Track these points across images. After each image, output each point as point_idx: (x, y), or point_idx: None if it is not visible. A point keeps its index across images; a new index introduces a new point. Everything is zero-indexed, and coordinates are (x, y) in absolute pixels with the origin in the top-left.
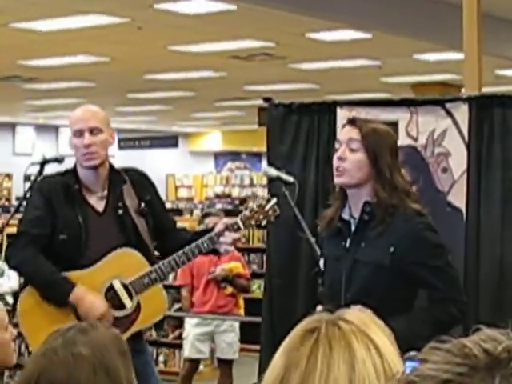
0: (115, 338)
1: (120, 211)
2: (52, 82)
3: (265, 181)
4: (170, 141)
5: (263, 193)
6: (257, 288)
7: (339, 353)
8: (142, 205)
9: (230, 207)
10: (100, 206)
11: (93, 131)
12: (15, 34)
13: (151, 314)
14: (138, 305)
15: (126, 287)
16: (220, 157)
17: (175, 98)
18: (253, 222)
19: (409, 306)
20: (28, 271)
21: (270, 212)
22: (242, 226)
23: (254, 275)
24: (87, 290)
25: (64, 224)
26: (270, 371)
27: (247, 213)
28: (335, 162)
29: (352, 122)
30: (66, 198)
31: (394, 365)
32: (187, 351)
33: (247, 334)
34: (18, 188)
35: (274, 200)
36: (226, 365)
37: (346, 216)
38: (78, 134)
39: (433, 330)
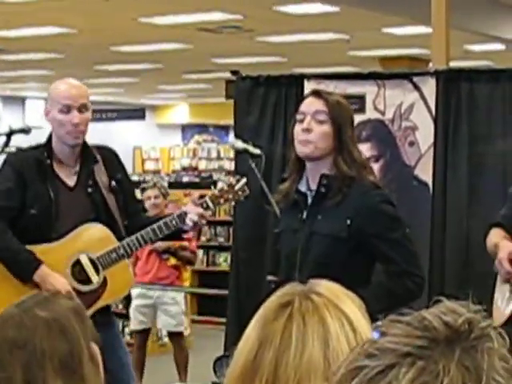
0: (76, 307)
1: (90, 189)
2: (19, 53)
3: (232, 154)
4: (137, 113)
5: (230, 166)
6: (223, 261)
7: (313, 328)
8: (113, 183)
9: (196, 180)
10: (71, 180)
11: (81, 109)
12: None
13: (117, 289)
14: (105, 280)
15: (93, 262)
16: (187, 129)
17: (142, 70)
18: (222, 201)
19: (365, 279)
20: None
21: (240, 192)
22: (210, 205)
23: (221, 248)
24: (50, 270)
25: (34, 199)
26: (243, 345)
27: (216, 192)
28: (300, 135)
29: (316, 93)
30: (37, 173)
31: (366, 338)
32: (132, 323)
33: (212, 306)
34: None
35: (244, 180)
36: (174, 337)
37: (302, 188)
38: (66, 109)
39: (389, 303)
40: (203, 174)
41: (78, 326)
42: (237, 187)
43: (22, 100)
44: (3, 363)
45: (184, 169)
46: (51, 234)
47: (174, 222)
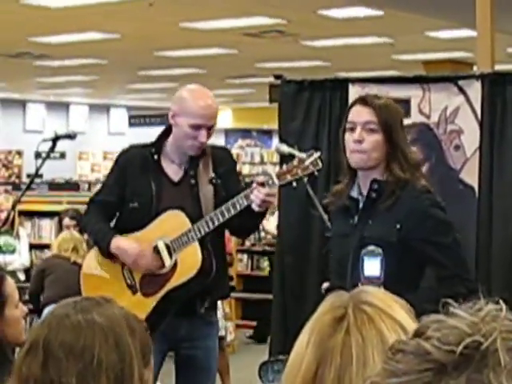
0: (127, 314)
1: (192, 181)
2: (63, 58)
3: (275, 158)
4: None
5: (274, 170)
6: (267, 266)
7: (372, 342)
8: (213, 175)
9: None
10: (177, 176)
11: (210, 128)
12: (26, 10)
13: (185, 270)
14: (176, 263)
15: (167, 246)
16: (230, 134)
17: (186, 75)
18: (289, 177)
19: (415, 284)
20: (88, 232)
21: (311, 166)
22: (276, 181)
23: (265, 253)
24: (121, 238)
25: (135, 192)
26: (298, 361)
27: (284, 168)
28: (352, 145)
29: (364, 101)
30: (141, 168)
31: None
32: None
33: (256, 311)
34: (29, 165)
35: (318, 154)
36: None
37: (354, 194)
38: (196, 126)
39: (438, 308)
40: (247, 179)
41: (130, 340)
42: (307, 162)
43: (66, 106)
44: (60, 368)
45: None
46: None
47: (240, 202)
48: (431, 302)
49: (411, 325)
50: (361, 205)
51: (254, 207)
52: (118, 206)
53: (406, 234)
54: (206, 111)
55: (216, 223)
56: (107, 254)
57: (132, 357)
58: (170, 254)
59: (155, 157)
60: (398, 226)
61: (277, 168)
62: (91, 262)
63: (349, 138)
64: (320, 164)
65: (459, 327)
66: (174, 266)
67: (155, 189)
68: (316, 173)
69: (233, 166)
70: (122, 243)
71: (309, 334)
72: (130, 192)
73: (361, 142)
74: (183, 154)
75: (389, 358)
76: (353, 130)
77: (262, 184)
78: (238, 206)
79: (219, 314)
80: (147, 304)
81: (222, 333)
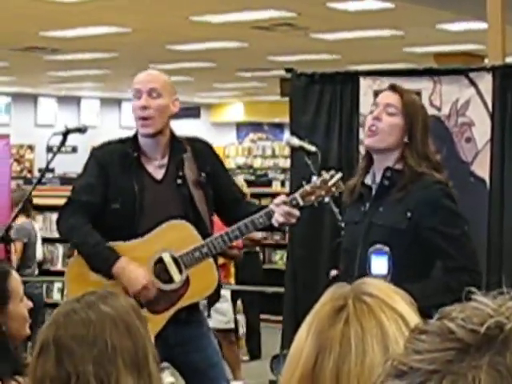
0: (134, 305)
1: (179, 181)
2: (74, 52)
3: (287, 152)
4: (191, 112)
5: (285, 163)
6: (279, 259)
7: (371, 332)
8: (202, 176)
9: (252, 178)
10: (159, 174)
11: (151, 93)
12: (38, 4)
13: (200, 289)
14: (187, 279)
15: (175, 261)
16: (242, 128)
17: (197, 69)
18: (313, 198)
19: (424, 274)
20: (74, 240)
21: (334, 188)
22: (300, 202)
23: (277, 246)
24: (130, 261)
25: (117, 193)
26: (298, 352)
27: (308, 188)
28: (370, 121)
29: (393, 87)
30: (122, 166)
31: None
32: None
33: (268, 304)
34: (41, 159)
35: (339, 175)
36: (224, 334)
37: (368, 181)
38: (137, 95)
39: (445, 298)
40: (258, 172)
41: (140, 325)
42: (331, 182)
43: (77, 100)
44: (74, 359)
45: (239, 167)
46: (136, 230)
47: (260, 220)
48: (438, 292)
49: (412, 316)
50: (373, 192)
51: (274, 223)
52: (101, 207)
53: (416, 223)
54: (142, 76)
55: (233, 240)
56: (105, 273)
57: (144, 340)
58: (179, 269)
59: (134, 154)
60: (409, 215)
61: (288, 161)
62: (78, 267)
63: (368, 117)
64: (342, 186)
65: (483, 309)
66: (186, 282)
67: (138, 188)
68: (337, 194)
69: (220, 163)
70: (131, 268)
71: (309, 324)
72: (113, 192)
73: (378, 119)
74: (154, 146)
75: (412, 338)
76: (374, 111)
77: (285, 203)
78: (257, 224)
79: (230, 306)
80: (156, 322)
81: (231, 325)
